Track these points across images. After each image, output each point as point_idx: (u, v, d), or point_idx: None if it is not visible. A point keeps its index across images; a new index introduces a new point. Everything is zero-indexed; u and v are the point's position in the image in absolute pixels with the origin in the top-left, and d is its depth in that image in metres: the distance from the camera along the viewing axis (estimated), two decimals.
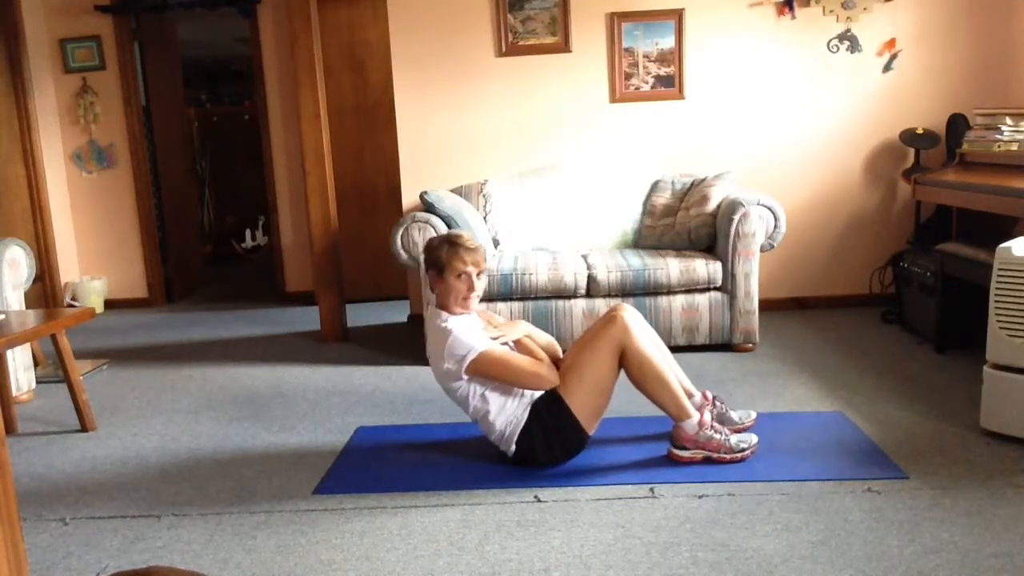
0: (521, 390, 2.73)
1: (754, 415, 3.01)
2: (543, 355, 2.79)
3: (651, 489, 2.56)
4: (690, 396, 2.88)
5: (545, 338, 2.95)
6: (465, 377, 2.70)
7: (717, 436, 2.69)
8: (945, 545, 2.15)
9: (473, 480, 2.68)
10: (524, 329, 2.86)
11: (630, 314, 2.77)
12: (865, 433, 2.92)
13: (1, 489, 1.48)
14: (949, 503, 2.38)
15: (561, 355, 2.93)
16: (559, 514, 2.43)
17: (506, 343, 2.80)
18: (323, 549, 2.30)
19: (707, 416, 2.73)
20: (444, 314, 2.78)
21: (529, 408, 2.71)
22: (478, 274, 2.79)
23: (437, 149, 4.84)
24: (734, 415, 2.98)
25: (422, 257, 2.90)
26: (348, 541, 2.34)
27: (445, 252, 2.77)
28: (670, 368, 2.81)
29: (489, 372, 2.69)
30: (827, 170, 4.80)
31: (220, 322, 5.44)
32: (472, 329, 2.75)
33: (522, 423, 2.70)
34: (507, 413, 2.72)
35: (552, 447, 2.72)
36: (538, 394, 2.74)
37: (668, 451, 2.75)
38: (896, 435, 2.89)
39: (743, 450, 2.70)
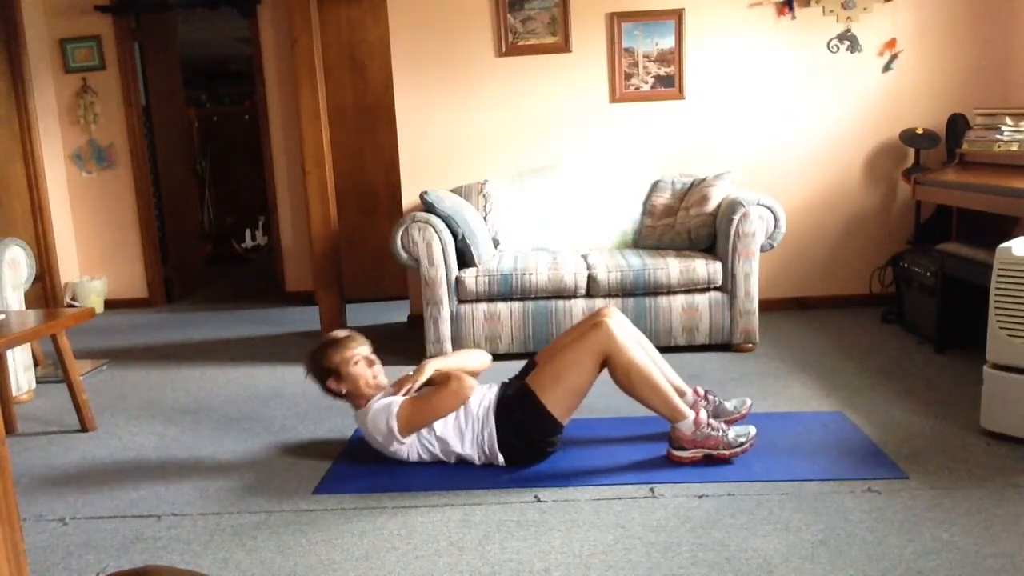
0: (464, 413, 2.74)
1: (749, 402, 2.99)
2: (454, 372, 2.78)
3: (651, 489, 2.55)
4: (682, 394, 2.88)
5: (473, 360, 2.98)
6: (406, 440, 2.73)
7: (715, 433, 2.68)
8: (945, 545, 2.15)
9: (473, 480, 2.67)
10: (432, 367, 2.87)
11: (615, 321, 2.77)
12: (865, 433, 2.92)
13: (1, 489, 1.48)
14: (949, 503, 2.38)
15: (482, 369, 2.99)
16: (559, 514, 2.43)
17: (419, 390, 2.82)
18: (323, 549, 2.30)
19: (703, 414, 2.71)
20: (364, 408, 2.82)
21: (493, 415, 2.72)
22: (369, 352, 2.83)
23: (437, 149, 4.84)
24: (728, 405, 2.97)
25: (312, 378, 2.87)
26: (348, 541, 2.34)
27: (330, 354, 2.79)
28: (659, 370, 2.79)
29: (415, 419, 2.72)
30: (827, 170, 4.80)
31: (220, 322, 5.44)
32: (381, 399, 2.79)
33: (495, 433, 2.71)
34: (469, 437, 2.73)
35: (533, 441, 2.72)
36: (494, 398, 2.75)
37: (667, 453, 2.74)
38: (896, 435, 2.89)
39: (742, 444, 2.68)
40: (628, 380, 2.68)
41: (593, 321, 2.78)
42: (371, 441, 2.83)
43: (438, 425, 2.74)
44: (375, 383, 2.83)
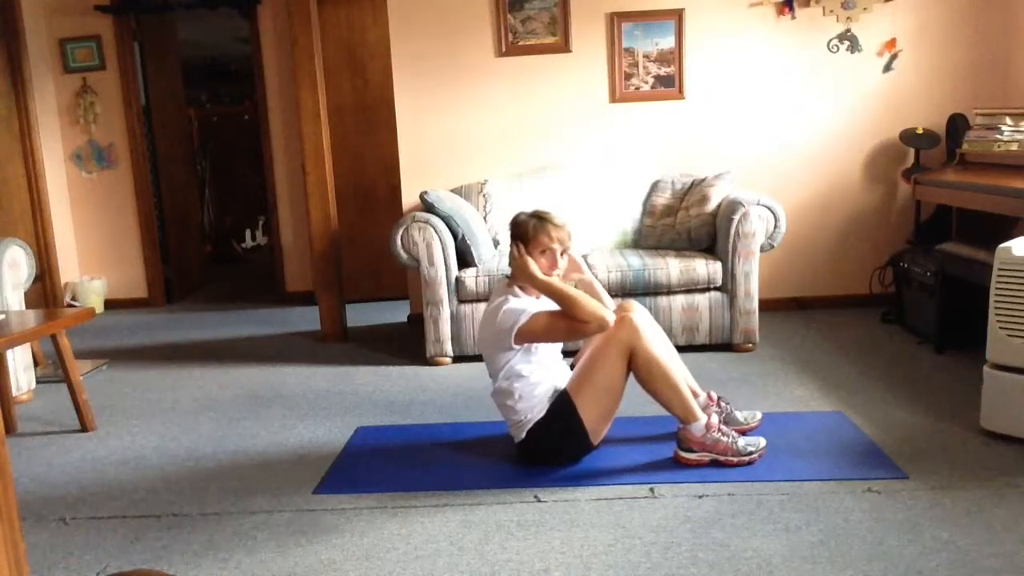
0: (547, 376, 2.71)
1: (759, 415, 2.99)
2: (593, 304, 2.66)
3: (651, 489, 2.55)
4: (695, 396, 2.87)
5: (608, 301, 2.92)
6: (516, 347, 2.67)
7: (724, 439, 2.67)
8: (945, 545, 2.15)
9: (473, 480, 2.68)
10: (582, 267, 2.86)
11: (639, 315, 2.74)
12: (865, 433, 2.92)
13: (1, 489, 1.48)
14: (949, 503, 2.38)
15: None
16: (559, 514, 2.43)
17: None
18: (323, 549, 2.30)
19: (714, 418, 2.71)
20: (508, 293, 2.75)
21: (548, 405, 2.70)
22: (562, 253, 2.77)
23: (437, 149, 4.84)
24: (739, 415, 2.96)
25: (508, 231, 2.81)
26: (348, 541, 2.34)
27: (532, 226, 2.74)
28: (678, 369, 2.78)
29: (541, 331, 2.64)
30: (827, 170, 4.80)
31: (220, 322, 5.44)
32: (525, 299, 2.73)
33: (539, 416, 2.69)
34: (528, 400, 2.69)
35: (555, 448, 2.72)
36: (559, 389, 2.73)
37: (674, 453, 2.73)
38: (896, 435, 2.89)
39: (750, 454, 2.67)
40: (648, 374, 2.66)
41: (617, 317, 2.76)
42: (482, 331, 2.79)
43: (525, 367, 2.69)
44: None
